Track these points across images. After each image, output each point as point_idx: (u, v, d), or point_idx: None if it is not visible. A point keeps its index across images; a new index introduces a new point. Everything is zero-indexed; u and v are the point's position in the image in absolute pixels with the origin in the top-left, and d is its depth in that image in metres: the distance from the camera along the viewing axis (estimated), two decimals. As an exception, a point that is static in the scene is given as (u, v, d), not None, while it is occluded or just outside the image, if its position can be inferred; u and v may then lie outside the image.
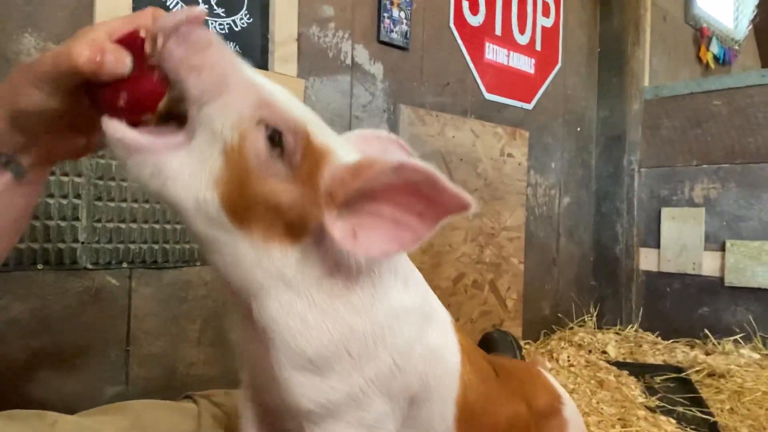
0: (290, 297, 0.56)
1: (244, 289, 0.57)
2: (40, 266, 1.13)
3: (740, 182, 2.38)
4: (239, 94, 0.52)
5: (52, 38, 1.13)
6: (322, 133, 0.57)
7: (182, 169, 0.51)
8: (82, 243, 1.18)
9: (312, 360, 0.57)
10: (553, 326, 2.48)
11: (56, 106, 0.51)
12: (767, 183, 2.31)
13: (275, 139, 0.53)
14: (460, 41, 1.99)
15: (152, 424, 0.89)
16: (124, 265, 1.24)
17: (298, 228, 0.55)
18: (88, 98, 0.52)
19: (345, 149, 0.59)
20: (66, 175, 1.15)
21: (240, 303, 0.59)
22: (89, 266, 1.19)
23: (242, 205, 0.53)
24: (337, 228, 0.54)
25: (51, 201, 1.14)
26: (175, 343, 1.33)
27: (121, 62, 0.48)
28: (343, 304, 0.57)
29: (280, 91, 0.56)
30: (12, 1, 1.09)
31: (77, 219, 1.17)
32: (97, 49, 0.47)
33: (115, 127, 0.50)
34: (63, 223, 1.15)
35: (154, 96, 0.50)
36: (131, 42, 0.49)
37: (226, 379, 1.41)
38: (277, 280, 0.56)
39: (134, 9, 1.21)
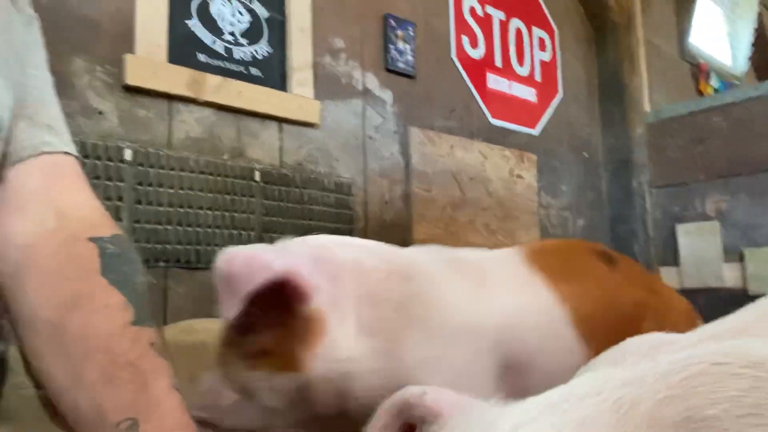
0: None
1: None
2: (85, 261, 1.23)
3: (750, 192, 2.42)
4: None
5: (98, 61, 1.30)
6: None
7: None
8: (123, 242, 1.29)
9: None
10: (580, 347, 2.46)
11: None
12: (776, 189, 2.36)
13: None
14: (462, 71, 2.15)
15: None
16: (161, 264, 1.34)
17: None
18: None
19: None
20: (110, 180, 1.28)
21: None
22: (129, 263, 1.29)
23: None
24: None
25: (96, 203, 1.26)
26: (208, 341, 1.40)
27: None
28: None
29: None
30: (62, 27, 1.27)
31: (119, 220, 1.29)
32: None
33: None
34: (106, 223, 1.27)
35: None
36: None
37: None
38: None
39: (169, 35, 1.39)
